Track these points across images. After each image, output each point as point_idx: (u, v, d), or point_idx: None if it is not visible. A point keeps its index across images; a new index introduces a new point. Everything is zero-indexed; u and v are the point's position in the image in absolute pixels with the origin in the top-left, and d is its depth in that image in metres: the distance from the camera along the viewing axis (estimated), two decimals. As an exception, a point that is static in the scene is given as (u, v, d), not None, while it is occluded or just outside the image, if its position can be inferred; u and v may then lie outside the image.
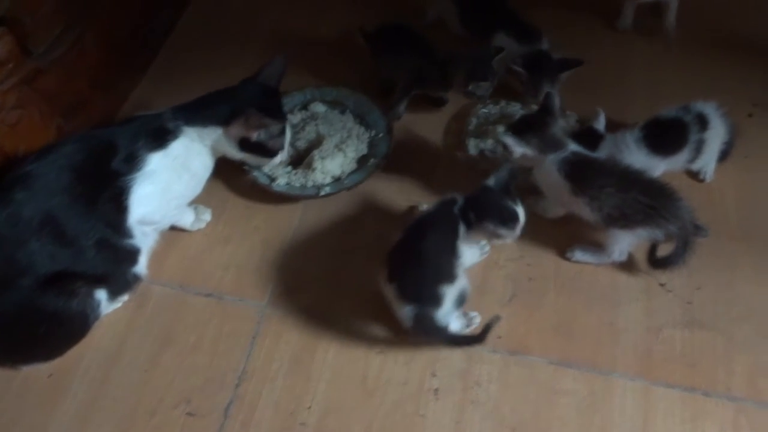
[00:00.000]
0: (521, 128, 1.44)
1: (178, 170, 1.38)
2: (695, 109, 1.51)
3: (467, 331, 1.36)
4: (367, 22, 1.81)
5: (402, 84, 1.69)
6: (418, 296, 1.28)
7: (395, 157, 1.64)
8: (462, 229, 1.33)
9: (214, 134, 1.40)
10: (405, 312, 1.29)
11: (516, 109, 1.71)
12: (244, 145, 1.41)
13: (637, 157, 1.49)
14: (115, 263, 1.33)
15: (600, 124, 1.59)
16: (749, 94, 1.77)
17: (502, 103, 1.74)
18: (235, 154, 1.44)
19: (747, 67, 1.84)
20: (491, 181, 1.35)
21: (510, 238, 1.33)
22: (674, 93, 1.75)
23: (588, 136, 1.53)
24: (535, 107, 1.63)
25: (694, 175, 1.61)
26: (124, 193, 1.31)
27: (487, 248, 1.48)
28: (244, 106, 1.38)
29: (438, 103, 1.75)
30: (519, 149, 1.41)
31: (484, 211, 1.31)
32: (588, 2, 2.02)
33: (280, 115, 1.44)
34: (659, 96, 1.75)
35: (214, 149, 1.43)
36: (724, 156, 1.59)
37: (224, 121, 1.39)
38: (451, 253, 1.32)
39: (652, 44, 1.92)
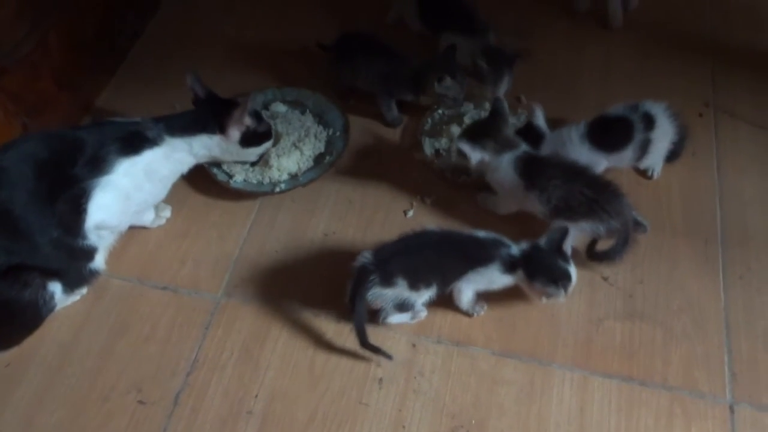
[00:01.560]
0: (476, 134, 1.50)
1: (144, 179, 1.40)
2: (643, 108, 1.55)
3: (410, 322, 1.40)
4: (328, 25, 1.86)
5: (379, 92, 1.73)
6: (381, 262, 1.31)
7: (352, 156, 1.69)
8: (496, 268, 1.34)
9: (209, 141, 1.45)
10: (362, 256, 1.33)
11: (469, 109, 1.75)
12: (246, 138, 1.48)
13: (580, 152, 1.53)
14: (70, 260, 1.35)
15: (539, 120, 1.61)
16: (701, 94, 1.81)
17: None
18: (241, 154, 1.51)
19: (700, 67, 1.89)
20: (542, 241, 1.35)
21: (561, 297, 1.33)
22: (627, 91, 1.81)
23: (528, 133, 1.57)
24: (487, 105, 1.69)
25: (642, 173, 1.64)
26: (84, 196, 1.31)
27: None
28: (225, 109, 1.45)
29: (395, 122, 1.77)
30: (476, 155, 1.47)
31: (536, 271, 1.32)
32: None
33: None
34: (611, 94, 1.80)
35: (206, 156, 1.49)
36: (673, 156, 1.62)
37: (218, 128, 1.45)
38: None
39: (606, 42, 1.96)
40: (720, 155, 1.69)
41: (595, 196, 1.40)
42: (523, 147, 1.49)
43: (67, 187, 1.32)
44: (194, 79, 1.48)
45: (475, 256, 1.34)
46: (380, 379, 1.35)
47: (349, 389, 1.34)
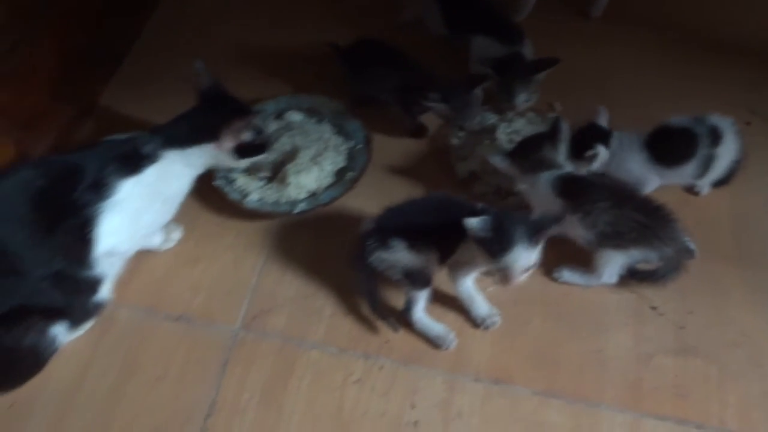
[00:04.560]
0: (514, 149, 1.42)
1: (151, 198, 1.30)
2: (709, 121, 1.42)
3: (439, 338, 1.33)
4: (340, 27, 1.73)
5: (396, 103, 1.61)
6: (379, 225, 1.29)
7: (375, 171, 1.57)
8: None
9: (203, 152, 1.34)
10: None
11: (494, 121, 1.62)
12: (240, 150, 1.37)
13: (635, 163, 1.43)
14: (74, 295, 1.25)
15: (602, 121, 1.48)
16: (745, 101, 1.69)
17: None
18: (232, 163, 1.39)
19: (742, 71, 1.77)
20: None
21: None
22: (663, 97, 1.70)
23: (592, 133, 1.45)
24: (510, 115, 1.61)
25: (689, 189, 1.53)
26: (89, 224, 1.22)
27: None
28: (223, 117, 1.33)
29: (417, 133, 1.66)
30: (506, 167, 1.38)
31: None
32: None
33: (250, 109, 1.41)
34: (646, 100, 1.69)
35: (203, 166, 1.37)
36: (729, 177, 1.48)
37: (213, 137, 1.33)
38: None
39: (638, 46, 1.85)
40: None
41: (646, 222, 1.29)
42: (567, 168, 1.38)
43: (68, 216, 1.21)
44: (202, 68, 1.38)
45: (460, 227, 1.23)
46: (415, 423, 1.25)
47: (381, 435, 1.24)
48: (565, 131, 1.39)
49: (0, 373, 1.23)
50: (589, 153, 1.41)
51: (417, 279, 1.30)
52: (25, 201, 1.19)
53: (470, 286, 1.35)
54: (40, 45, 1.48)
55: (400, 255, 1.28)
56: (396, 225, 1.29)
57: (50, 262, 1.19)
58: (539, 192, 1.37)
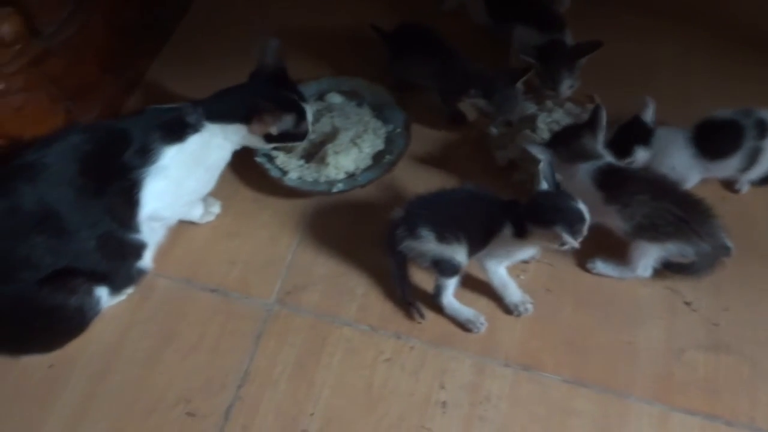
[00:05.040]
0: (552, 138, 1.42)
1: (193, 165, 1.34)
2: (756, 114, 1.41)
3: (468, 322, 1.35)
4: (379, 11, 1.73)
5: (438, 93, 1.62)
6: (408, 214, 1.31)
7: (412, 156, 1.58)
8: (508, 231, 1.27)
9: (239, 131, 1.37)
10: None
11: (534, 111, 1.61)
12: (270, 138, 1.39)
13: (681, 157, 1.42)
14: (119, 259, 1.29)
15: (648, 115, 1.47)
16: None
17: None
18: (261, 145, 1.42)
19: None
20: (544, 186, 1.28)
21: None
22: (707, 96, 1.68)
23: (634, 128, 1.45)
24: (549, 104, 1.60)
25: (728, 185, 1.52)
26: (136, 187, 1.26)
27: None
28: (258, 103, 1.35)
29: (456, 120, 1.66)
30: (544, 158, 1.36)
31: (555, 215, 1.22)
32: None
33: (293, 102, 1.41)
34: (690, 94, 1.68)
35: (239, 143, 1.40)
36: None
37: (245, 119, 1.36)
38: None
39: (683, 39, 1.83)
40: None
41: (685, 216, 1.29)
42: (606, 159, 1.38)
43: (116, 179, 1.25)
44: (275, 46, 1.41)
45: (491, 221, 1.27)
46: (444, 403, 1.27)
47: (409, 413, 1.26)
48: (604, 120, 1.38)
49: (46, 332, 1.26)
50: (629, 160, 1.42)
51: (446, 269, 1.31)
52: (74, 164, 1.23)
53: (503, 273, 1.36)
54: (92, 17, 1.51)
55: (429, 245, 1.29)
56: (425, 215, 1.30)
57: (97, 224, 1.23)
58: (578, 182, 1.37)
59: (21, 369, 1.30)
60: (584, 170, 1.36)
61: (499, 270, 1.35)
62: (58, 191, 1.21)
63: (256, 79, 1.40)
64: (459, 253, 1.30)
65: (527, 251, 1.32)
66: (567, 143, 1.39)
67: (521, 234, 1.25)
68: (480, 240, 1.30)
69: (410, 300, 1.35)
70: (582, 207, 1.23)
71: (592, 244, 1.38)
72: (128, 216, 1.26)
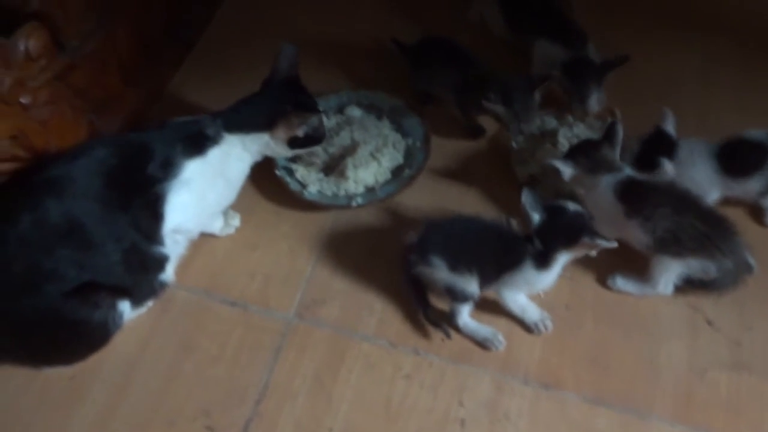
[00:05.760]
0: (571, 150, 1.41)
1: (215, 178, 1.35)
2: None
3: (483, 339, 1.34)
4: (400, 23, 1.73)
5: (456, 103, 1.62)
6: (420, 241, 1.32)
7: (431, 170, 1.58)
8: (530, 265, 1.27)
9: (260, 140, 1.38)
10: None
11: (555, 125, 1.61)
12: (294, 142, 1.39)
13: (702, 171, 1.41)
14: (142, 272, 1.30)
15: (669, 126, 1.46)
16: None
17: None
18: (287, 152, 1.43)
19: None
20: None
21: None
22: (730, 110, 1.67)
23: (658, 140, 1.44)
24: (570, 119, 1.61)
25: (756, 213, 1.49)
26: (160, 200, 1.27)
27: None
28: (281, 108, 1.36)
29: (475, 134, 1.66)
30: (567, 170, 1.37)
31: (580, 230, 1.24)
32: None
33: (313, 104, 1.43)
34: (712, 108, 1.67)
35: (259, 153, 1.41)
36: None
37: (267, 127, 1.36)
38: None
39: (704, 50, 1.82)
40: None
41: (708, 231, 1.27)
42: (627, 171, 1.37)
43: (140, 193, 1.26)
44: (291, 53, 1.42)
45: (506, 256, 1.28)
46: (462, 420, 1.26)
47: (428, 430, 1.25)
48: (620, 135, 1.38)
49: (69, 345, 1.28)
50: (657, 172, 1.40)
51: (458, 296, 1.31)
52: (99, 178, 1.24)
53: (522, 298, 1.34)
54: (115, 31, 1.53)
55: (441, 274, 1.30)
56: (439, 243, 1.31)
57: (123, 238, 1.24)
58: (599, 195, 1.36)
59: (43, 381, 1.31)
60: (606, 182, 1.35)
61: (518, 298, 1.34)
62: (84, 205, 1.22)
63: (270, 86, 1.41)
64: (471, 285, 1.30)
65: (549, 279, 1.29)
66: (587, 154, 1.38)
67: (545, 264, 1.25)
68: (492, 275, 1.29)
69: (433, 319, 1.34)
70: (579, 208, 1.27)
71: (613, 261, 1.38)
72: (153, 229, 1.27)
